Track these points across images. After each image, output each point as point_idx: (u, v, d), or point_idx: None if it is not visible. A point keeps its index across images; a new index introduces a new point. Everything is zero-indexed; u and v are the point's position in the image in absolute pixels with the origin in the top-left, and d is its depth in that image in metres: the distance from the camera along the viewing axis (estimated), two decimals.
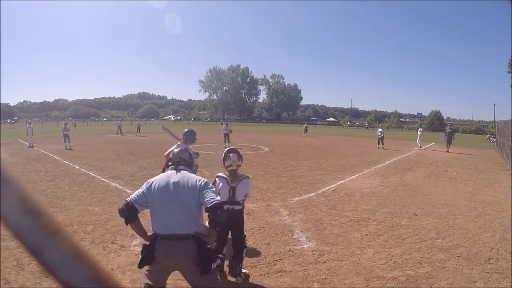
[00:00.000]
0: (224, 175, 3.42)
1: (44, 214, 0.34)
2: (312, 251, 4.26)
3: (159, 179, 2.44)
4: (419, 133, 20.42)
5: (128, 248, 4.21)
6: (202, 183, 2.41)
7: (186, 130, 5.03)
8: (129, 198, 2.37)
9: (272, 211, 5.97)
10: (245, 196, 3.45)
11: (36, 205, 0.34)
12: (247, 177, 3.51)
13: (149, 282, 2.38)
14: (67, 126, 17.32)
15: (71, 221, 5.14)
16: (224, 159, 3.45)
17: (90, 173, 9.24)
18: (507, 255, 4.23)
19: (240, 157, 3.48)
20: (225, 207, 3.02)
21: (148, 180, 2.47)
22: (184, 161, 2.57)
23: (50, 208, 5.78)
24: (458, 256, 4.16)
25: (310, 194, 7.31)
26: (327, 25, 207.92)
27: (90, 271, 0.35)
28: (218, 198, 2.43)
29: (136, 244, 4.32)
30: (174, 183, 2.40)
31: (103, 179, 8.47)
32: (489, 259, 4.10)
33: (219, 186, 3.34)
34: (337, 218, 5.62)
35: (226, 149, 3.60)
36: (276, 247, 4.34)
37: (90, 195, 6.84)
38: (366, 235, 4.88)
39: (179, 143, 4.76)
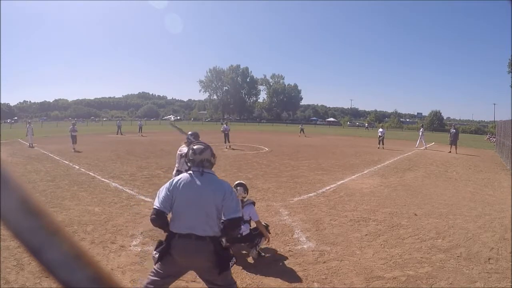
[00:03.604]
0: None
1: (44, 214, 0.34)
2: (312, 251, 4.26)
3: (183, 179, 2.43)
4: (420, 133, 20.35)
5: (128, 248, 4.21)
6: (227, 192, 2.41)
7: (190, 132, 5.13)
8: (156, 205, 2.38)
9: (272, 211, 5.97)
10: (250, 216, 4.08)
11: (36, 205, 0.34)
12: (252, 203, 4.15)
13: (155, 278, 2.40)
14: (75, 126, 15.88)
15: (71, 221, 5.13)
16: None
17: (90, 173, 9.24)
18: (507, 255, 4.23)
19: (246, 190, 4.22)
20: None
21: (172, 180, 2.48)
22: (207, 162, 2.50)
23: (50, 208, 5.79)
24: (458, 256, 4.16)
25: (310, 194, 7.31)
26: (327, 25, 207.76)
27: (90, 271, 0.35)
28: (240, 210, 2.48)
29: (136, 244, 4.33)
30: (198, 186, 2.39)
31: (103, 179, 8.47)
32: (489, 259, 4.10)
33: None
34: (337, 218, 5.62)
35: (236, 182, 4.29)
36: (276, 247, 4.34)
37: (90, 195, 6.84)
38: (366, 235, 4.88)
39: (184, 147, 5.01)
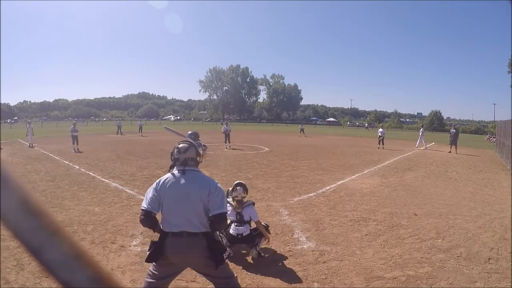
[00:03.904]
0: (231, 202, 4.10)
1: (44, 214, 0.34)
2: (312, 251, 4.26)
3: (169, 179, 2.46)
4: (420, 133, 20.38)
5: (128, 248, 4.21)
6: (212, 188, 2.43)
7: (189, 132, 5.20)
8: (144, 206, 2.43)
9: (272, 211, 5.97)
10: (250, 217, 4.05)
11: (36, 205, 0.34)
12: (252, 203, 4.12)
13: (152, 281, 2.42)
14: (76, 126, 15.53)
15: (71, 221, 5.14)
16: (232, 190, 4.13)
17: (90, 173, 9.24)
18: (507, 255, 4.23)
19: (245, 190, 4.13)
20: (235, 233, 3.95)
21: (158, 181, 2.50)
22: (192, 161, 2.53)
23: (50, 208, 5.79)
24: (458, 256, 4.16)
25: (310, 194, 7.31)
26: (327, 25, 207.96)
27: (90, 271, 0.35)
28: (225, 205, 2.50)
29: (136, 244, 4.33)
30: (184, 184, 2.42)
31: (103, 179, 8.47)
32: (489, 259, 4.10)
33: (229, 210, 3.98)
34: (337, 218, 5.62)
35: (235, 182, 4.24)
36: (276, 247, 4.34)
37: (90, 195, 6.83)
38: (366, 235, 4.88)
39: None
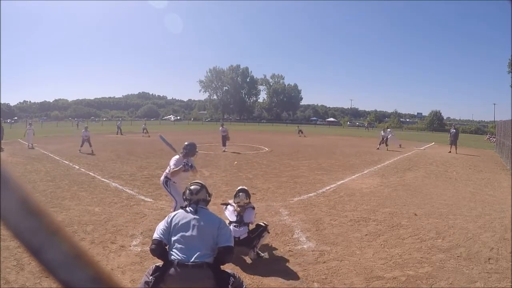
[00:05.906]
0: (234, 204, 4.26)
1: (44, 214, 0.34)
2: (312, 251, 4.26)
3: (181, 215, 2.72)
4: (387, 134, 19.21)
5: (128, 248, 4.21)
6: (222, 224, 2.77)
7: (186, 143, 4.96)
8: (155, 236, 2.64)
9: (272, 211, 5.97)
10: (249, 220, 4.15)
11: (36, 205, 0.34)
12: (252, 207, 4.25)
13: (148, 280, 2.51)
14: (88, 131, 15.19)
15: (71, 221, 5.14)
16: (235, 195, 4.28)
17: (90, 173, 9.24)
18: (507, 255, 4.23)
19: (248, 195, 4.27)
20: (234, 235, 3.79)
21: (170, 215, 2.77)
22: (203, 201, 2.87)
23: (50, 208, 5.78)
24: (458, 256, 4.16)
25: (310, 194, 7.31)
26: (327, 25, 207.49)
27: (90, 271, 0.35)
28: (232, 240, 2.79)
29: (136, 244, 4.33)
30: (196, 221, 2.67)
31: (103, 179, 8.47)
32: (489, 259, 4.10)
33: (230, 211, 4.22)
34: (337, 218, 5.62)
35: (238, 188, 4.38)
36: (276, 247, 4.34)
37: (90, 195, 6.83)
38: (366, 235, 4.88)
39: (178, 156, 4.85)
